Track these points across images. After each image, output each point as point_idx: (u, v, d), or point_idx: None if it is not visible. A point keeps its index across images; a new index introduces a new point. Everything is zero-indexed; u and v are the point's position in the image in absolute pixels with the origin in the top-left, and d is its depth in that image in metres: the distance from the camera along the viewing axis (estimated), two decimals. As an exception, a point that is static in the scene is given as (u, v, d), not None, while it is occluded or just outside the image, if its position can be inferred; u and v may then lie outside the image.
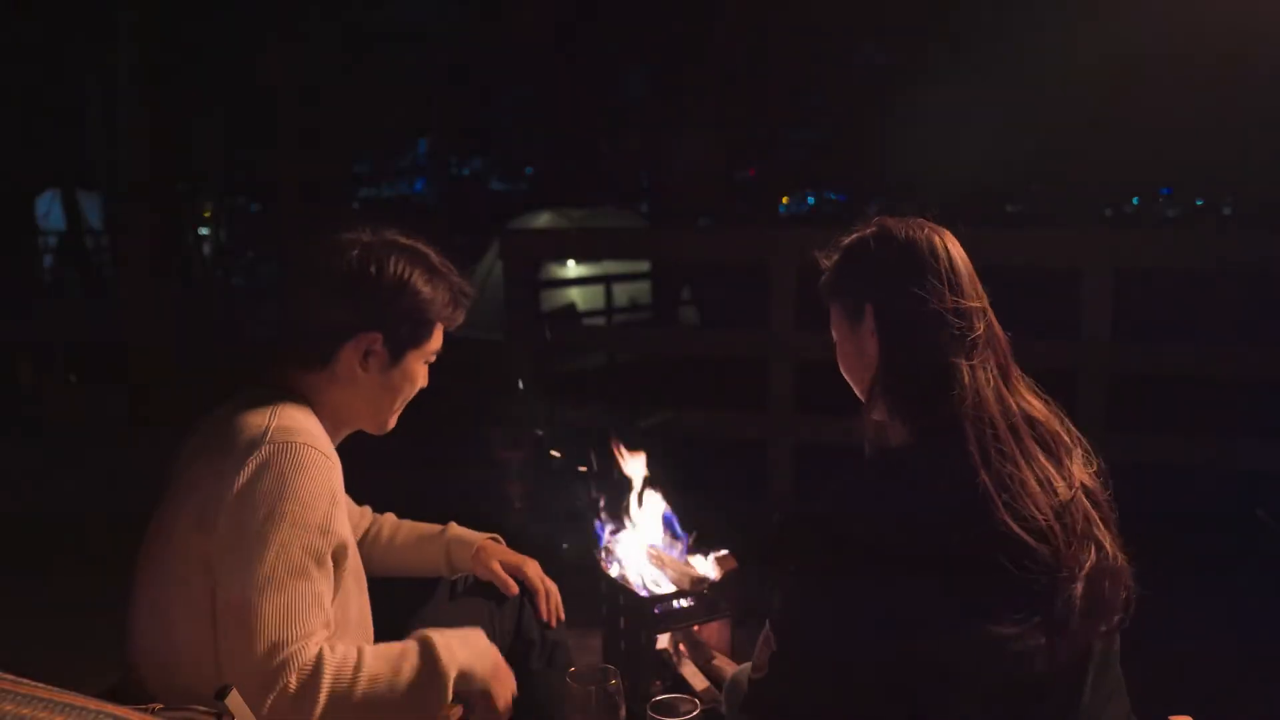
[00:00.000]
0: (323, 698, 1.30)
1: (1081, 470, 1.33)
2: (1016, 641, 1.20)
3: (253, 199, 15.64)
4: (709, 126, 11.14)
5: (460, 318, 1.58)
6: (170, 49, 7.27)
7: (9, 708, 0.73)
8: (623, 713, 1.53)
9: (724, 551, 2.23)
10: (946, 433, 1.26)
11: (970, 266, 1.38)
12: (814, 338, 4.05)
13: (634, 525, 2.35)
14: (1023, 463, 1.25)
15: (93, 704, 0.77)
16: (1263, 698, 2.61)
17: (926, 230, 1.38)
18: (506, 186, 24.68)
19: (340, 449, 1.53)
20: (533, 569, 1.89)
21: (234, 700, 1.18)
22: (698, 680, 2.09)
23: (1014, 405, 1.31)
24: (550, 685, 1.79)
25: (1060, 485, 1.27)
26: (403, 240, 1.55)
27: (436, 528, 1.92)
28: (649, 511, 2.34)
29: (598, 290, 9.44)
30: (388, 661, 1.39)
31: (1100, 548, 1.27)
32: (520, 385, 3.89)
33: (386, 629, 1.56)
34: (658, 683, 2.05)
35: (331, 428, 1.51)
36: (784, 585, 1.33)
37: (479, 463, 3.91)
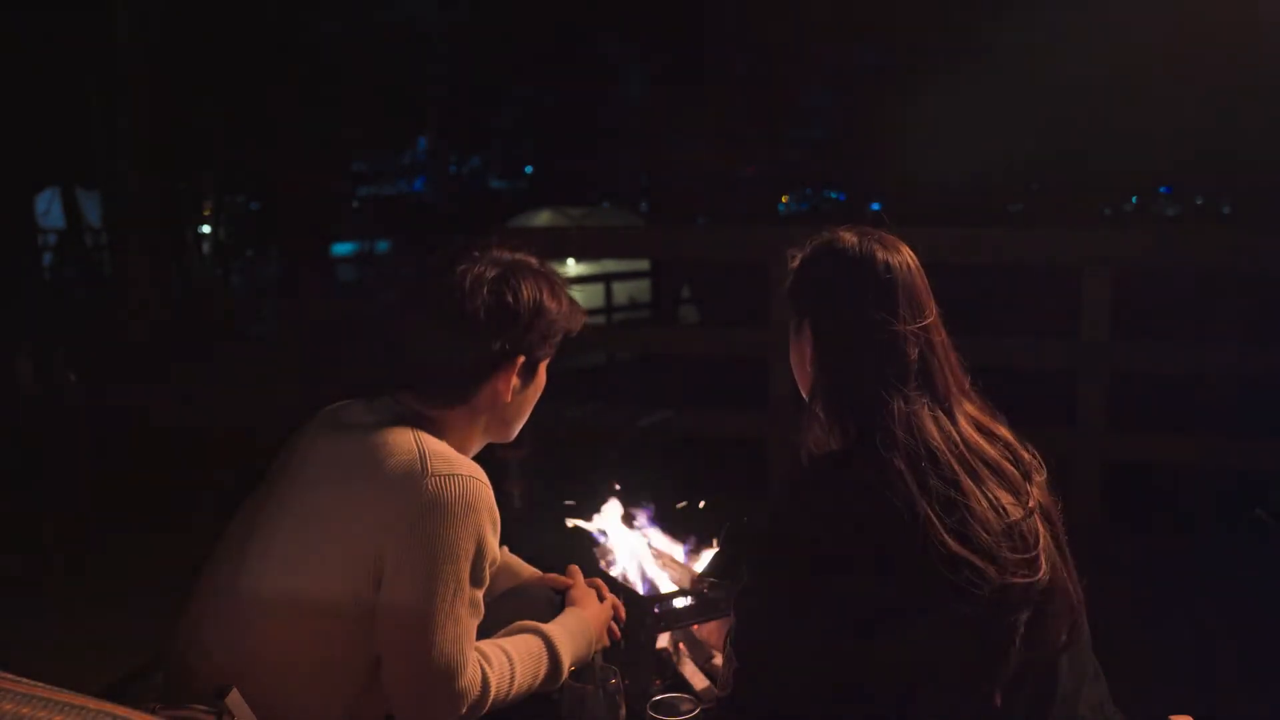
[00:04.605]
0: (483, 711, 1.40)
1: (1040, 492, 1.33)
2: (952, 668, 1.22)
3: (252, 197, 15.62)
4: (708, 126, 11.14)
5: (580, 322, 1.59)
6: (170, 47, 7.26)
7: (9, 707, 0.73)
8: (623, 712, 1.53)
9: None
10: (877, 457, 1.25)
11: (922, 283, 1.37)
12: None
13: (634, 524, 2.35)
14: (969, 486, 1.25)
15: (92, 703, 0.77)
16: (1263, 698, 2.60)
17: (878, 247, 1.37)
18: (506, 185, 24.66)
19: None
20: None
21: (234, 699, 1.18)
22: (698, 680, 2.08)
23: (955, 433, 1.30)
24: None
25: (1012, 508, 1.26)
26: (512, 257, 1.53)
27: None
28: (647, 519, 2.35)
29: (597, 289, 9.45)
30: (530, 669, 1.48)
31: (1052, 570, 1.27)
32: None
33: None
34: (658, 682, 2.04)
35: (463, 451, 1.51)
36: (737, 602, 1.34)
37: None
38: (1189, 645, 2.93)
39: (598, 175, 19.63)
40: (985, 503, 1.24)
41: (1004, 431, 1.38)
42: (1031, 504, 1.29)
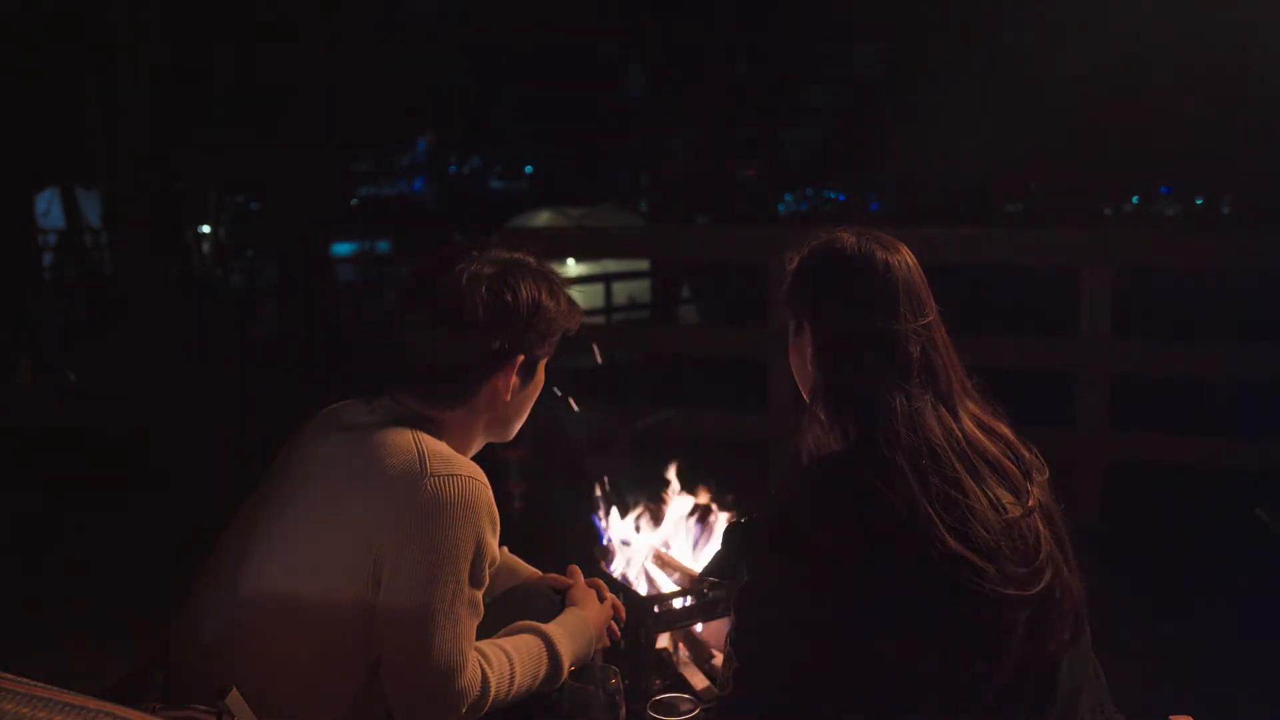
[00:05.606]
0: (484, 711, 1.40)
1: (1042, 491, 1.33)
2: (953, 667, 1.22)
3: (252, 197, 15.62)
4: (708, 126, 11.15)
5: (578, 321, 1.59)
6: (169, 47, 7.26)
7: (9, 707, 0.73)
8: (623, 712, 1.53)
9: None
10: (878, 456, 1.25)
11: (921, 282, 1.37)
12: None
13: (635, 524, 2.35)
14: (970, 484, 1.24)
15: (93, 703, 0.77)
16: (1263, 698, 2.61)
17: (876, 247, 1.37)
18: (506, 185, 24.67)
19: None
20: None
21: (234, 699, 1.18)
22: (698, 680, 2.08)
23: (958, 430, 1.29)
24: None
25: (1012, 506, 1.26)
26: (510, 256, 1.53)
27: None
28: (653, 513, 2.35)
29: (597, 289, 9.44)
30: (530, 669, 1.48)
31: (1053, 569, 1.27)
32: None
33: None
34: (658, 682, 2.04)
35: (463, 451, 1.51)
36: (736, 601, 1.34)
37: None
38: (1189, 645, 2.93)
39: (598, 175, 19.64)
40: (985, 501, 1.24)
41: (1005, 429, 1.37)
42: (1031, 503, 1.29)
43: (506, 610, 1.62)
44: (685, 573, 2.18)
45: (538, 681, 1.50)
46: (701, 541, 2.30)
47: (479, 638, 1.44)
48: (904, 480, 1.22)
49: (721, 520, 2.30)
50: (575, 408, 2.35)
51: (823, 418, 1.36)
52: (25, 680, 0.77)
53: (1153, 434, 4.06)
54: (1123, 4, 10.47)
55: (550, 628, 1.56)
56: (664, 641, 2.11)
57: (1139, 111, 11.38)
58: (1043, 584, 1.24)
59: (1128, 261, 4.26)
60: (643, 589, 2.17)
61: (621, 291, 9.85)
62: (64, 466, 5.17)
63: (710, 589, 2.08)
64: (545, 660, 1.51)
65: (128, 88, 7.03)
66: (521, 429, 1.62)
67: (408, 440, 1.40)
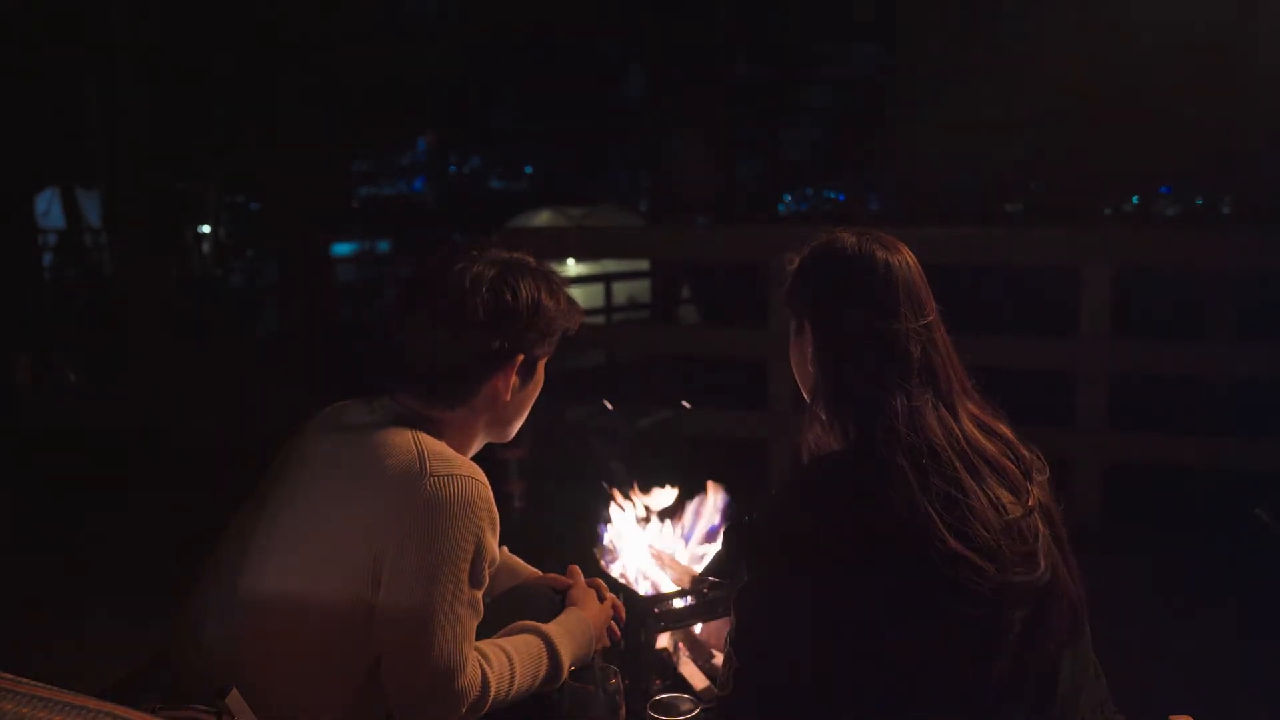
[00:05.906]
0: (484, 711, 1.40)
1: (1042, 490, 1.33)
2: (952, 667, 1.22)
3: (252, 197, 15.62)
4: (708, 126, 11.15)
5: (578, 321, 1.59)
6: (169, 48, 7.27)
7: (9, 707, 0.73)
8: (623, 712, 1.53)
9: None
10: (878, 456, 1.25)
11: (922, 282, 1.37)
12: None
13: (636, 524, 2.35)
14: (970, 484, 1.25)
15: (93, 703, 0.77)
16: (1263, 698, 2.61)
17: (877, 247, 1.37)
18: (506, 185, 24.67)
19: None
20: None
21: (234, 699, 1.18)
22: (698, 680, 2.08)
23: (958, 430, 1.30)
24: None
25: (1012, 506, 1.26)
26: (509, 256, 1.53)
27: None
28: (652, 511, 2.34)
29: (597, 289, 9.43)
30: (530, 669, 1.48)
31: (1052, 569, 1.27)
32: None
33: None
34: (658, 682, 2.04)
35: (462, 451, 1.51)
36: (736, 601, 1.34)
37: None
38: (1189, 645, 2.94)
39: (598, 175, 19.65)
40: (985, 501, 1.24)
41: (1004, 429, 1.37)
42: (1031, 502, 1.29)
43: (506, 610, 1.62)
44: (685, 572, 2.18)
45: (538, 681, 1.50)
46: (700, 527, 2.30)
47: (479, 638, 1.44)
48: (904, 480, 1.22)
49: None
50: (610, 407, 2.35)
51: (823, 417, 1.36)
52: (25, 680, 0.77)
53: (1153, 434, 4.07)
54: (1123, 4, 10.47)
55: (550, 628, 1.56)
56: (664, 641, 2.10)
57: (1139, 111, 11.38)
58: (1042, 584, 1.25)
59: (1128, 261, 4.27)
60: (643, 589, 2.17)
61: (621, 291, 9.84)
62: (64, 466, 5.18)
63: (710, 589, 2.08)
64: (545, 660, 1.51)
65: (128, 88, 7.04)
66: (521, 429, 1.63)
67: (408, 440, 1.40)
